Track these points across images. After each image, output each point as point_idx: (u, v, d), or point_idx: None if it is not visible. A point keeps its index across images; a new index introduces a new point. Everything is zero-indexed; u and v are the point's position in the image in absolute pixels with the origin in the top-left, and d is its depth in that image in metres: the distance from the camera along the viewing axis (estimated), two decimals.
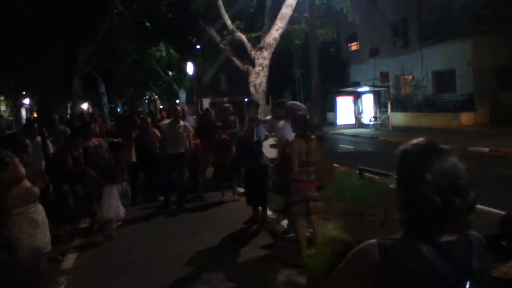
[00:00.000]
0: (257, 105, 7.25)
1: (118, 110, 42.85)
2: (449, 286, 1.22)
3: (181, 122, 8.25)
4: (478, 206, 6.60)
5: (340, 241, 2.70)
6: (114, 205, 6.49)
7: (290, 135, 5.45)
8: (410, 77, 24.68)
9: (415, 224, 1.29)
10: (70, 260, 5.84)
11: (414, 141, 1.37)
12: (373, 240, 1.32)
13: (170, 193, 8.28)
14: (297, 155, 5.05)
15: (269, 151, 6.41)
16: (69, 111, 19.07)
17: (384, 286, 1.26)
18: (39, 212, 3.88)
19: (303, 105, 6.98)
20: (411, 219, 1.30)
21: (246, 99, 16.88)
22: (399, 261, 1.25)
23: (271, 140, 6.37)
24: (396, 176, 1.37)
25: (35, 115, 23.07)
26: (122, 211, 6.66)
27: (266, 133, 6.66)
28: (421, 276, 1.23)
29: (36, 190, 3.84)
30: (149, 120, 9.28)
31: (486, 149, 12.77)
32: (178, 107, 9.48)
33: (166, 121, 9.25)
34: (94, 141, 7.10)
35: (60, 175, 6.53)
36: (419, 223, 1.28)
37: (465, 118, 19.91)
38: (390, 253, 1.26)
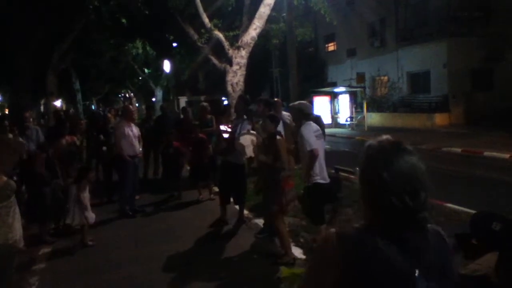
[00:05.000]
0: (246, 101, 7.20)
1: (93, 107, 42.20)
2: (403, 277, 1.26)
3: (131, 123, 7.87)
4: (450, 205, 6.75)
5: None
6: (81, 211, 6.01)
7: None
8: (385, 78, 25.04)
9: (373, 217, 1.34)
10: (42, 261, 5.71)
11: (379, 138, 1.40)
12: (333, 230, 1.36)
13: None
14: (285, 154, 5.15)
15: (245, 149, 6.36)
16: (42, 108, 18.67)
17: (346, 275, 1.29)
18: (16, 204, 3.91)
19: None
20: (370, 212, 1.36)
21: (223, 98, 16.87)
22: (356, 251, 1.29)
23: (247, 138, 6.32)
24: (358, 171, 1.40)
25: (7, 112, 22.53)
26: (90, 217, 6.10)
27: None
28: (377, 266, 1.26)
29: (13, 183, 3.85)
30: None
31: (459, 149, 13.06)
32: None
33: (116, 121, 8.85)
34: (67, 139, 6.97)
35: (37, 175, 6.28)
36: (376, 216, 1.33)
37: (440, 118, 20.30)
38: (348, 243, 1.31)
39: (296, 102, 6.11)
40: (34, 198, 6.16)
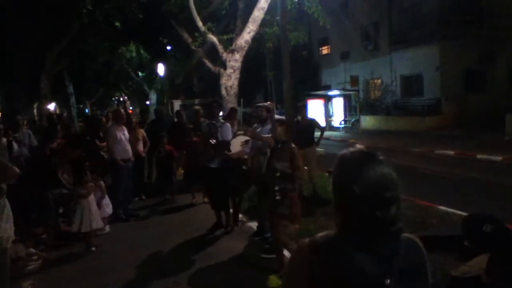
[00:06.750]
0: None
1: (86, 111, 42.02)
2: (373, 285, 1.26)
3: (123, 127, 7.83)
4: (442, 207, 6.78)
5: None
6: (88, 216, 5.97)
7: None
8: (379, 81, 25.17)
9: (345, 225, 1.33)
10: (38, 264, 5.66)
11: (353, 149, 1.40)
12: (306, 239, 1.37)
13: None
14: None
15: (237, 150, 6.34)
16: (35, 111, 18.59)
17: (317, 283, 1.29)
18: (7, 205, 3.96)
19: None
20: (341, 220, 1.35)
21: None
22: (326, 259, 1.29)
23: (240, 139, 6.31)
24: (331, 179, 1.40)
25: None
26: (87, 224, 5.98)
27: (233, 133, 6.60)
28: (347, 274, 1.26)
29: (4, 186, 3.90)
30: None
31: (452, 152, 13.13)
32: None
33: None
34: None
35: (42, 178, 6.23)
36: (347, 225, 1.32)
37: (432, 121, 20.41)
38: (318, 251, 1.31)
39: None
40: (38, 202, 6.11)
